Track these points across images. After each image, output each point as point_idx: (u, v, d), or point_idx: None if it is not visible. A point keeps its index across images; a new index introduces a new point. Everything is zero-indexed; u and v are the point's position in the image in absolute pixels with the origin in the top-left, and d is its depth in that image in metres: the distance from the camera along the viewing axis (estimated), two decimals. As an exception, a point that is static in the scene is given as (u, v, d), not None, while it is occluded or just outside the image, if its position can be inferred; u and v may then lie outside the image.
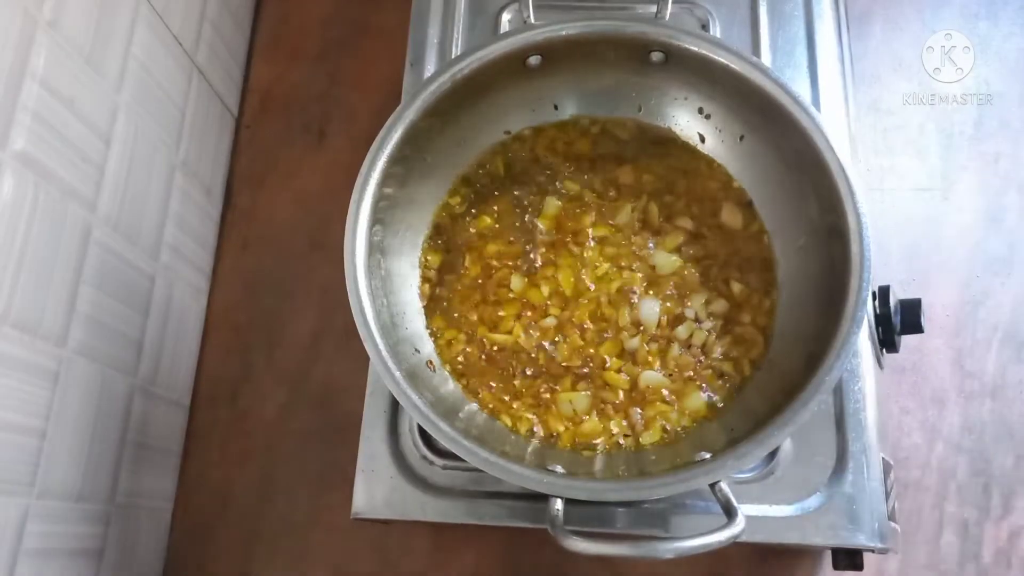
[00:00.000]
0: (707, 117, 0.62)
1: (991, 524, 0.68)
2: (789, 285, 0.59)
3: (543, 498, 0.48)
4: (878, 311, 0.60)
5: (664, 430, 0.56)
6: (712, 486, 0.48)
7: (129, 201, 0.64)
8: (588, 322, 0.59)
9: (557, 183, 0.63)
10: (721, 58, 0.57)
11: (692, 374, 0.58)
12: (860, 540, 0.54)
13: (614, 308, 0.59)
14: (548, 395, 0.58)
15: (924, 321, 0.60)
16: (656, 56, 0.59)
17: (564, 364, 0.59)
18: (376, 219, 0.55)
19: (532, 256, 0.61)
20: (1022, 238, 0.76)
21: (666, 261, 0.60)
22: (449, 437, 0.49)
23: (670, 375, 0.58)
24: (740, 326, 0.58)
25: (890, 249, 0.75)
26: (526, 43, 0.58)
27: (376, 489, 0.57)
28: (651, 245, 0.61)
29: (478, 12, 0.70)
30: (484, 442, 0.50)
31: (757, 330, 0.58)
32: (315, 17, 0.86)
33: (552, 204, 0.63)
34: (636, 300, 0.60)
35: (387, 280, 0.57)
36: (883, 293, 0.60)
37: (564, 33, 0.58)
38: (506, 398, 0.58)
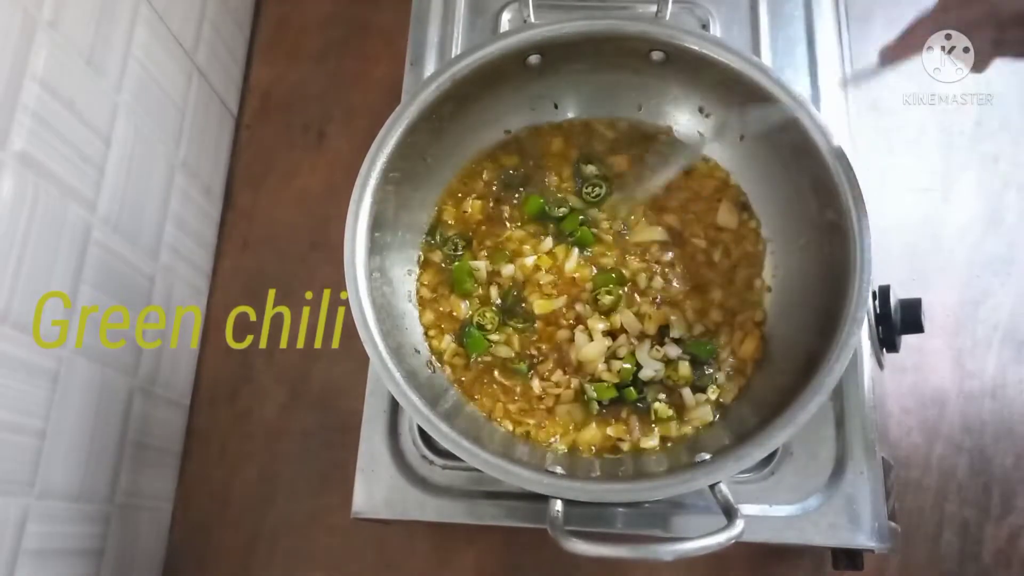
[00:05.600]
0: (707, 116, 0.62)
1: (991, 524, 0.68)
2: (789, 285, 0.59)
3: (543, 498, 0.48)
4: (878, 311, 0.60)
5: (664, 434, 0.56)
6: (712, 487, 0.48)
7: (129, 201, 0.64)
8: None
9: (557, 184, 0.63)
10: (721, 58, 0.56)
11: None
12: (860, 540, 0.54)
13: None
14: (547, 397, 0.58)
15: (924, 321, 0.59)
16: (656, 55, 0.59)
17: (564, 364, 0.59)
18: (376, 219, 0.55)
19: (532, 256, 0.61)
20: (1022, 238, 0.76)
21: (661, 261, 0.61)
22: (449, 438, 0.49)
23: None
24: (735, 327, 0.58)
25: (890, 249, 0.75)
26: (526, 43, 0.58)
27: (376, 489, 0.57)
28: (647, 243, 0.61)
29: (478, 12, 0.70)
30: (483, 443, 0.50)
31: (754, 325, 0.58)
32: (315, 17, 0.86)
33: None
34: (636, 300, 0.60)
35: (387, 280, 0.57)
36: (883, 293, 0.60)
37: (564, 33, 0.58)
38: (505, 400, 0.58)
